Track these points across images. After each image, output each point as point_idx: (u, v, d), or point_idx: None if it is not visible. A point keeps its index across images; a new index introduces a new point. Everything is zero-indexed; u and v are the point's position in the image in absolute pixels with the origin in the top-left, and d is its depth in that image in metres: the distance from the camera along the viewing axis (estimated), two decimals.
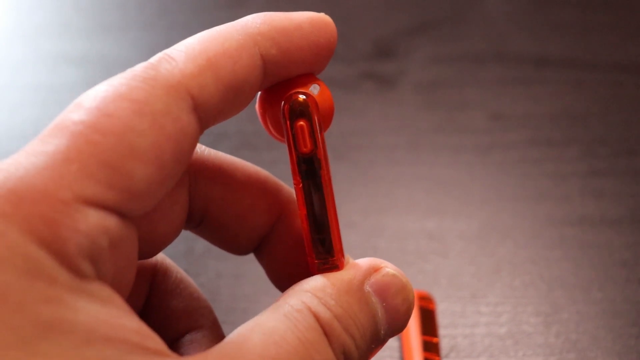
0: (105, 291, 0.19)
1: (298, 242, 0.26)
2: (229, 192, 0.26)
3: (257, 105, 0.25)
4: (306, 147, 0.23)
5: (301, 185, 0.23)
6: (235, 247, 0.27)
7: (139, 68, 0.21)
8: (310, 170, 0.23)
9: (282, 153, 0.60)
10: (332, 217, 0.24)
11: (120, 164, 0.19)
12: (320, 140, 0.23)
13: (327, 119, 0.24)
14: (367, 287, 0.23)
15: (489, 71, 0.64)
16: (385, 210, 0.51)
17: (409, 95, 0.61)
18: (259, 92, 0.25)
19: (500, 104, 0.60)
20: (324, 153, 0.23)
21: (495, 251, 0.48)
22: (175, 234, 0.26)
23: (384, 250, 0.48)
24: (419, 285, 0.45)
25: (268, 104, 0.24)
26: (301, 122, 0.23)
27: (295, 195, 0.26)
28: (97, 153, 0.19)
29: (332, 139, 0.55)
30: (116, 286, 0.20)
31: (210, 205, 0.26)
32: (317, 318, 0.22)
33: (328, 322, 0.22)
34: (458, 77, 0.63)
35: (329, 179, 0.24)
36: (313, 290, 0.23)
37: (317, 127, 0.23)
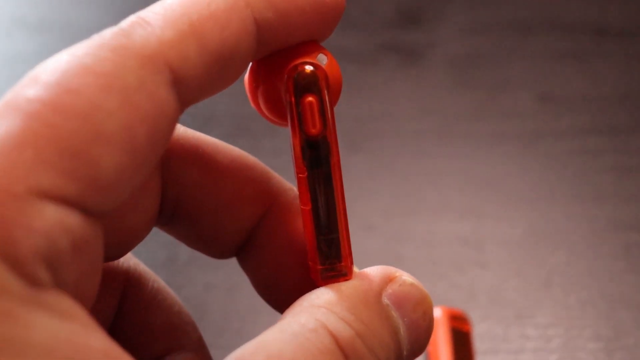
0: (66, 303, 0.19)
1: (290, 242, 0.26)
2: (208, 178, 0.26)
3: (246, 79, 0.25)
4: (315, 127, 0.23)
5: (306, 174, 0.23)
6: (215, 247, 0.27)
7: (108, 35, 0.21)
8: (318, 157, 0.23)
9: (286, 141, 0.60)
10: (342, 215, 0.24)
11: (84, 150, 0.19)
12: (330, 119, 0.23)
13: (334, 95, 0.24)
14: (385, 299, 0.24)
15: (538, 43, 0.64)
16: (411, 211, 0.51)
17: (440, 71, 0.61)
18: (250, 64, 0.25)
19: (551, 83, 0.60)
20: (334, 135, 0.23)
21: (545, 261, 0.48)
22: (147, 228, 0.26)
23: (410, 260, 0.48)
24: (451, 302, 0.45)
25: (261, 77, 0.24)
26: (310, 98, 0.23)
27: (295, 188, 0.26)
28: (56, 137, 0.19)
29: (346, 124, 0.56)
30: (79, 296, 0.20)
31: (184, 193, 0.26)
32: (335, 339, 0.22)
33: (349, 342, 0.22)
34: (499, 49, 0.63)
35: (339, 168, 0.24)
36: (328, 305, 0.23)
37: (327, 104, 0.23)
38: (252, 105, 0.25)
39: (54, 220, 0.19)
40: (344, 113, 0.55)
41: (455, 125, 0.57)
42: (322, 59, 0.24)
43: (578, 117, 0.57)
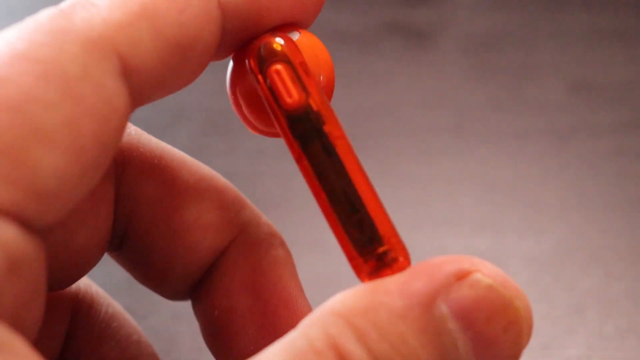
0: (4, 334, 0.19)
1: (251, 286, 0.26)
2: (167, 196, 0.26)
3: (229, 84, 0.25)
4: (291, 96, 0.23)
5: (305, 155, 0.23)
6: (167, 281, 0.27)
7: (44, 17, 0.21)
8: (309, 129, 0.23)
9: (269, 142, 0.59)
10: (365, 187, 0.23)
11: (21, 150, 0.19)
12: (311, 85, 0.23)
13: (325, 79, 0.25)
14: (442, 307, 0.21)
15: (572, 20, 0.64)
16: (417, 224, 0.52)
17: (454, 55, 0.62)
18: (232, 56, 0.25)
19: (588, 69, 0.61)
20: (321, 101, 0.23)
21: (577, 282, 0.49)
22: (99, 251, 0.26)
23: None
24: None
25: (240, 76, 0.25)
26: (277, 66, 0.23)
27: (270, 224, 0.27)
28: None
29: (340, 118, 0.54)
30: (18, 325, 0.20)
31: (138, 211, 0.26)
32: None
33: None
34: (525, 29, 0.63)
35: (342, 135, 0.24)
36: (349, 313, 0.21)
37: (302, 70, 0.23)
38: (235, 111, 0.26)
39: None
40: (337, 106, 0.54)
41: (471, 121, 0.57)
42: (293, 35, 0.24)
43: (620, 110, 0.58)
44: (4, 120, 0.19)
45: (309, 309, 0.27)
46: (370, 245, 0.22)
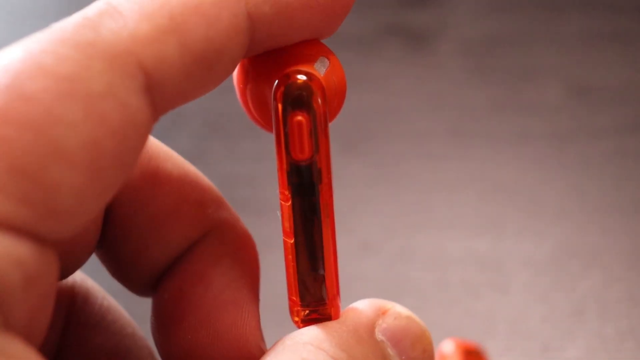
0: (16, 347, 0.19)
1: (211, 277, 0.27)
2: (149, 183, 0.27)
3: (235, 76, 0.26)
4: (303, 152, 0.23)
5: (290, 202, 0.24)
6: (136, 273, 0.28)
7: (70, 26, 0.21)
8: (305, 184, 0.24)
9: (269, 144, 0.59)
10: (330, 251, 0.24)
11: (40, 170, 0.19)
12: (323, 143, 0.24)
13: (336, 104, 0.25)
14: (379, 335, 0.24)
15: (570, 23, 0.64)
16: (417, 226, 0.52)
17: (453, 58, 0.62)
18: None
19: (587, 72, 0.61)
20: (326, 160, 0.24)
21: (576, 284, 0.49)
22: (95, 239, 0.26)
23: (416, 284, 0.49)
24: (465, 334, 0.46)
25: (252, 76, 0.25)
26: (299, 117, 0.23)
27: (242, 225, 0.27)
28: (6, 153, 0.19)
29: (340, 122, 0.54)
30: (30, 335, 0.20)
31: (119, 198, 0.27)
32: None
33: None
34: (524, 32, 0.63)
35: (330, 196, 0.24)
36: (315, 342, 0.23)
37: (322, 125, 0.23)
38: (242, 106, 0.26)
39: (1, 252, 0.19)
40: None
41: (470, 123, 0.58)
42: (321, 67, 0.24)
43: (619, 112, 0.58)
44: (27, 140, 0.19)
45: (254, 324, 0.27)
46: (315, 300, 0.25)
